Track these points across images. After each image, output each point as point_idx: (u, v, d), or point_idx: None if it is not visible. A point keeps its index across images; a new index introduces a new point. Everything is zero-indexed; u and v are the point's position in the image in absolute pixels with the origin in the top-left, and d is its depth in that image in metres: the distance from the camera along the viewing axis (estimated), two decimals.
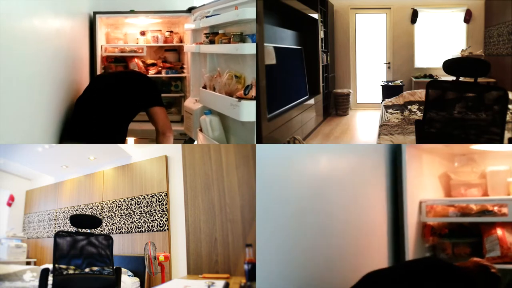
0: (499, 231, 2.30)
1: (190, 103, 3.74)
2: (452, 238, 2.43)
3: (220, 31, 2.90)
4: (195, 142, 3.58)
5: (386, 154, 2.24)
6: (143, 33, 4.51)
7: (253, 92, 2.47)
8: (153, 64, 4.50)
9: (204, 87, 3.18)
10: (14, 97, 1.98)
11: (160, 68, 4.46)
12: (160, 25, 4.50)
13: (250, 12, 2.42)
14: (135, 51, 4.39)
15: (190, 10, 3.95)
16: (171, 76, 4.48)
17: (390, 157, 2.25)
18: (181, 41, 4.43)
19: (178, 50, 4.57)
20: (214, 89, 2.92)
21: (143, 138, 3.93)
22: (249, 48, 2.46)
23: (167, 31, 4.45)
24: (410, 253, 2.21)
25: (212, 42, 2.99)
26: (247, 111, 2.41)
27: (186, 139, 3.90)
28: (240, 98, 2.48)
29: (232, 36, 2.66)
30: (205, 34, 3.18)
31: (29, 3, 2.11)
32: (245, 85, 2.64)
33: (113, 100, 2.91)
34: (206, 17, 3.21)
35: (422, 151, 2.43)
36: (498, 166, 2.49)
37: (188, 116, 3.73)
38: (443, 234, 2.46)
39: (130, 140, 4.14)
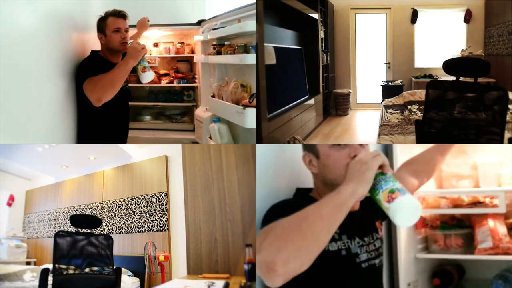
0: (491, 222, 2.29)
1: (201, 112, 3.75)
2: (444, 230, 2.42)
3: (226, 43, 3.00)
4: None
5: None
6: (156, 45, 4.60)
7: None
8: (165, 74, 4.59)
9: (213, 96, 3.24)
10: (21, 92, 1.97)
11: (172, 78, 4.54)
12: (172, 37, 4.58)
13: (251, 25, 2.57)
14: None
15: (199, 22, 4.02)
16: (183, 86, 4.55)
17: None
18: (192, 52, 4.49)
19: (189, 61, 4.63)
20: (222, 98, 2.98)
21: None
22: (252, 58, 2.56)
23: (179, 43, 4.54)
24: (402, 245, 2.20)
25: (219, 53, 3.06)
26: (252, 118, 2.51)
27: None
28: (245, 106, 2.56)
29: (237, 47, 2.77)
30: (213, 45, 3.28)
31: (40, 16, 2.09)
32: (250, 93, 2.74)
33: None
34: (213, 29, 3.30)
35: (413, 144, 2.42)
36: (489, 158, 2.47)
37: (199, 124, 3.76)
38: (435, 225, 2.46)
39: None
